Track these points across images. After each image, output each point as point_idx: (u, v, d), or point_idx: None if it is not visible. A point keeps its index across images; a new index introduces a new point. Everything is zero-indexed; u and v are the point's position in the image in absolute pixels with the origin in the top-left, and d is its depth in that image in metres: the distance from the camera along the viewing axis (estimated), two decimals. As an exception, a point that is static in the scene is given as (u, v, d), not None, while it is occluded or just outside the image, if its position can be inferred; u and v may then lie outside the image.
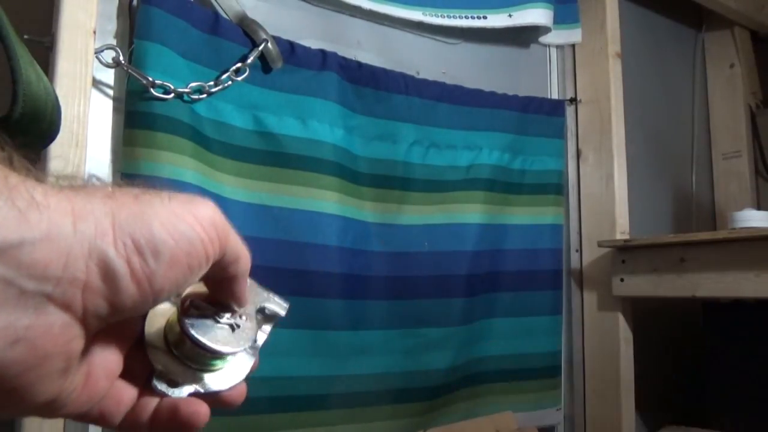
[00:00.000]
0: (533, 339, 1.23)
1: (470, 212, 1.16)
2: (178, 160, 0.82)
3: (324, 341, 0.96)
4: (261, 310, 0.34)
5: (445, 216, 1.13)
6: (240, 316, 0.32)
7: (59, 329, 0.23)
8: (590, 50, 1.37)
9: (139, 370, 0.31)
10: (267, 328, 0.34)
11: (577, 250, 1.34)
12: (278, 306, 0.34)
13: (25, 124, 0.38)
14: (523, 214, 1.24)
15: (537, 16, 1.25)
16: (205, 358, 0.31)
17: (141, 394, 0.30)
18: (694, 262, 1.10)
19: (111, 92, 0.84)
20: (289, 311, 0.35)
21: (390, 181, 1.07)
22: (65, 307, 0.23)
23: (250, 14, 0.94)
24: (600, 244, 1.24)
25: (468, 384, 1.14)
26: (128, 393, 0.30)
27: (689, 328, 1.49)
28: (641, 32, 1.60)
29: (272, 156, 0.94)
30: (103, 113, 0.83)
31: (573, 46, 1.40)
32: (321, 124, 0.98)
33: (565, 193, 1.33)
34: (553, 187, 1.29)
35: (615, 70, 1.33)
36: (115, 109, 0.84)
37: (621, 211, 1.29)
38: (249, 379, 0.33)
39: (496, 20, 1.23)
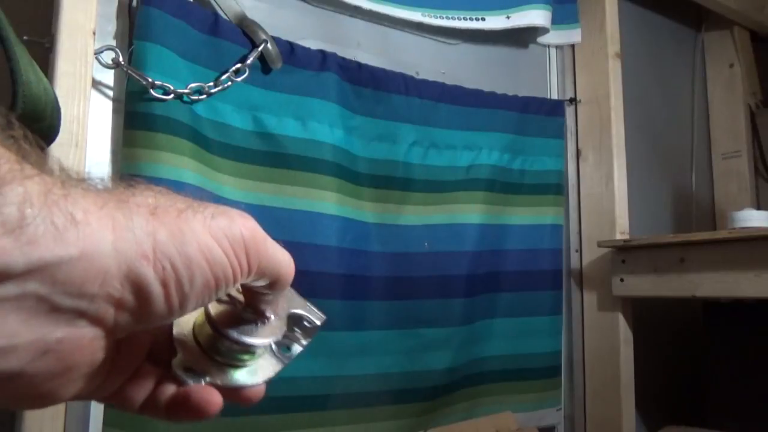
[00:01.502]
0: (533, 339, 1.23)
1: (470, 212, 1.16)
2: (177, 161, 0.82)
3: (324, 342, 0.96)
4: (295, 319, 0.34)
5: (445, 216, 1.13)
6: (270, 314, 0.32)
7: (88, 342, 0.23)
8: (590, 50, 1.37)
9: (164, 354, 0.31)
10: (304, 341, 0.34)
11: (577, 250, 1.34)
12: (315, 316, 0.34)
13: (25, 125, 0.38)
14: (523, 215, 1.24)
15: (535, 17, 1.25)
16: (230, 351, 0.31)
17: (162, 379, 0.31)
18: (694, 262, 1.10)
19: (111, 93, 0.84)
20: (325, 323, 0.35)
21: (390, 181, 1.07)
22: (96, 321, 0.23)
23: (250, 15, 0.94)
24: (600, 244, 1.24)
25: (468, 384, 1.14)
26: (150, 377, 0.31)
27: (689, 328, 1.49)
28: (641, 32, 1.60)
29: (272, 156, 0.94)
30: (103, 114, 0.83)
31: (572, 46, 1.40)
32: (321, 124, 0.98)
33: (565, 193, 1.33)
34: (553, 187, 1.29)
35: (614, 70, 1.33)
36: (115, 110, 0.84)
37: (621, 211, 1.29)
38: (269, 383, 0.33)
39: (494, 22, 1.23)
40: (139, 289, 0.23)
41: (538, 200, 1.27)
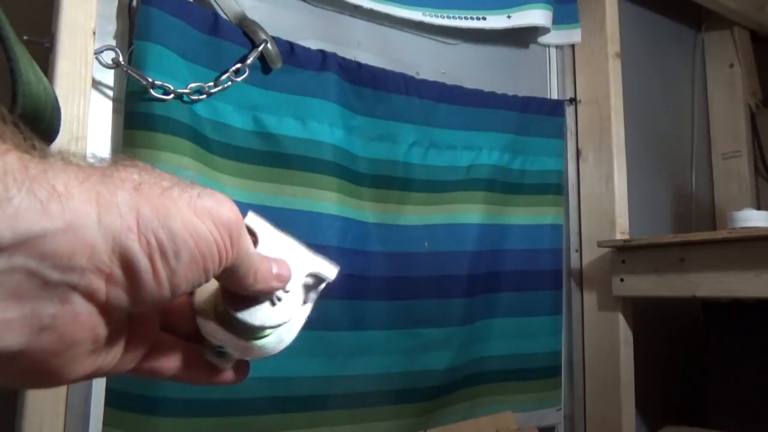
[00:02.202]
0: (533, 339, 1.23)
1: (470, 212, 1.16)
2: (177, 161, 0.81)
3: (324, 341, 0.96)
4: (310, 276, 0.34)
5: (445, 216, 1.13)
6: (283, 289, 0.32)
7: (85, 317, 0.23)
8: (590, 50, 1.37)
9: (181, 325, 0.32)
10: (313, 295, 0.34)
11: (577, 250, 1.34)
12: (327, 270, 0.34)
13: (25, 125, 0.38)
14: (523, 215, 1.24)
15: (536, 16, 1.25)
16: (247, 332, 0.31)
17: (188, 350, 0.32)
18: (694, 262, 1.10)
19: (111, 93, 0.84)
20: (339, 274, 0.35)
21: (390, 181, 1.07)
22: (89, 296, 0.23)
23: (250, 14, 0.94)
24: (600, 244, 1.23)
25: (468, 384, 1.14)
26: (174, 348, 0.31)
27: (689, 328, 1.49)
28: (641, 32, 1.60)
29: (272, 156, 0.94)
30: (103, 114, 0.83)
31: (572, 46, 1.40)
32: (321, 124, 0.98)
33: (565, 193, 1.33)
34: (553, 187, 1.29)
35: (615, 70, 1.33)
36: (115, 110, 0.84)
37: (621, 211, 1.29)
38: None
39: (495, 21, 1.23)
40: (127, 263, 0.23)
41: (538, 200, 1.27)
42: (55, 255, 0.21)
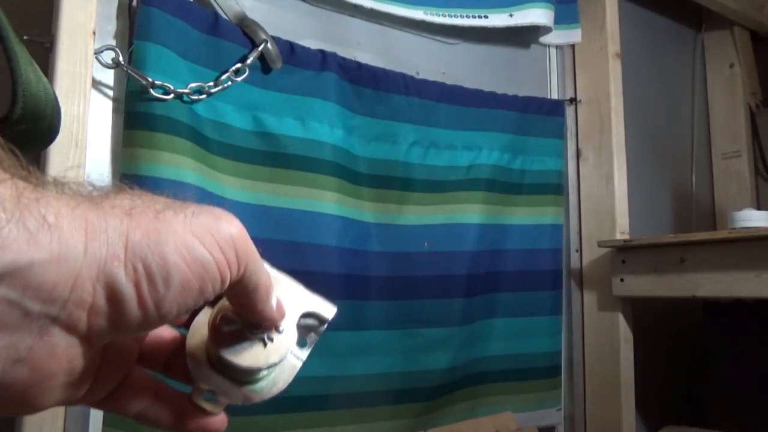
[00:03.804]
0: (533, 339, 1.23)
1: (470, 212, 1.16)
2: (177, 161, 0.81)
3: (324, 341, 0.95)
4: (307, 316, 0.32)
5: (445, 216, 1.13)
6: (275, 329, 0.30)
7: (62, 350, 0.23)
8: (590, 50, 1.37)
9: (158, 357, 0.31)
10: (314, 336, 0.33)
11: (577, 250, 1.34)
12: (324, 309, 0.33)
13: (25, 124, 0.38)
14: (523, 214, 1.24)
15: (538, 15, 1.25)
16: (239, 374, 0.30)
17: (160, 390, 0.30)
18: (694, 262, 1.10)
19: (111, 93, 0.84)
20: (337, 315, 0.33)
21: (390, 181, 1.07)
22: (69, 328, 0.22)
23: (250, 14, 0.93)
24: (600, 244, 1.23)
25: (468, 384, 1.14)
26: (145, 384, 0.30)
27: (689, 328, 1.49)
28: (641, 32, 1.60)
29: (272, 156, 0.94)
30: (103, 114, 0.83)
31: (573, 46, 1.40)
32: (321, 124, 0.98)
33: (565, 193, 1.33)
34: (553, 187, 1.29)
35: (615, 70, 1.33)
36: (115, 110, 0.84)
37: (621, 211, 1.29)
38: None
39: (497, 20, 1.23)
40: (111, 292, 0.22)
41: (538, 200, 1.27)
42: (39, 286, 0.21)
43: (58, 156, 0.73)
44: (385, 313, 1.04)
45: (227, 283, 0.26)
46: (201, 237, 0.24)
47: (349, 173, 1.02)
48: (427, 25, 1.16)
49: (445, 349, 1.10)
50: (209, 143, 0.88)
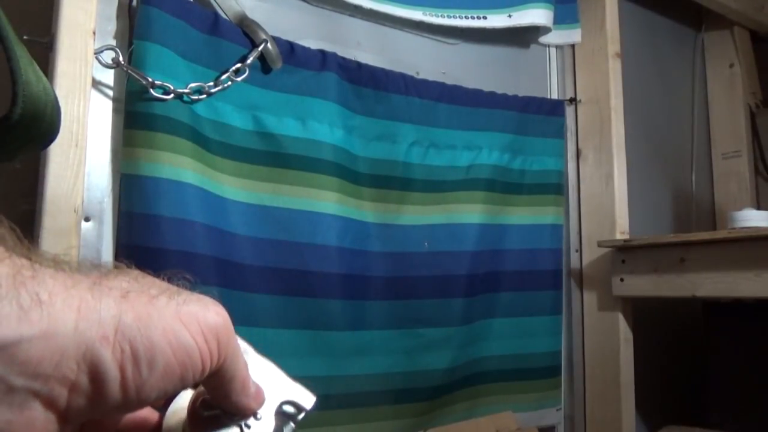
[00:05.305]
0: (533, 339, 1.23)
1: (470, 212, 1.16)
2: (177, 161, 0.81)
3: (324, 341, 0.95)
4: (286, 403, 0.32)
5: (445, 216, 1.13)
6: (254, 416, 0.30)
7: (40, 425, 0.23)
8: (590, 50, 1.37)
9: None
10: (291, 425, 0.33)
11: (577, 250, 1.34)
12: (304, 398, 0.33)
13: (25, 124, 0.38)
14: (523, 214, 1.24)
15: (537, 16, 1.25)
16: None
17: None
18: (694, 262, 1.10)
19: (110, 93, 0.84)
20: (316, 405, 0.33)
21: (390, 181, 1.07)
22: (49, 404, 0.22)
23: (250, 14, 0.93)
24: (600, 244, 1.23)
25: (468, 384, 1.14)
26: None
27: (689, 328, 1.49)
28: (641, 32, 1.60)
29: (272, 156, 0.94)
30: (103, 114, 0.83)
31: (572, 46, 1.40)
32: (321, 124, 0.98)
33: (565, 193, 1.33)
34: (553, 187, 1.29)
35: (615, 70, 1.33)
36: (115, 110, 0.84)
37: (621, 211, 1.29)
38: None
39: (496, 20, 1.23)
40: (95, 371, 0.23)
41: (538, 200, 1.27)
42: (25, 361, 0.21)
43: (58, 156, 0.73)
44: (385, 313, 1.04)
45: (206, 372, 0.26)
46: (188, 324, 0.25)
47: (349, 173, 1.02)
48: (426, 26, 1.16)
49: (445, 349, 1.10)
50: (209, 143, 0.88)
